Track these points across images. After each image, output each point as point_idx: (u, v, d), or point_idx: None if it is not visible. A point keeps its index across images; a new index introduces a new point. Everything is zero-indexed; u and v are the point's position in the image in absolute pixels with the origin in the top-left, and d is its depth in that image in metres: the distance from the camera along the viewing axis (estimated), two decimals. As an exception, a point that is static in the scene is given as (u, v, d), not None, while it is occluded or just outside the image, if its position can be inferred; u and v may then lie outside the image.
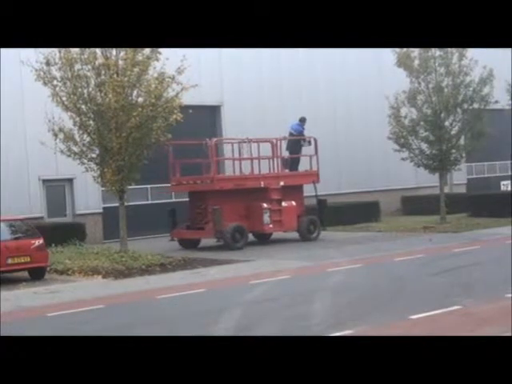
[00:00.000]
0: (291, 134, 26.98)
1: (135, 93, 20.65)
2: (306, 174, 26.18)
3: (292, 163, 26.58)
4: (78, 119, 20.58)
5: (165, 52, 19.64)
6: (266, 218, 24.31)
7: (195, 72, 24.26)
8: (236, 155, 25.67)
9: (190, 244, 24.58)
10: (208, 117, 30.74)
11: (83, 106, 20.52)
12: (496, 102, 28.65)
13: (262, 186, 24.60)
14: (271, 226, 24.56)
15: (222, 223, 23.33)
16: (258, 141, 25.40)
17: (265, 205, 24.37)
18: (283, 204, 24.86)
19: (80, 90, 20.34)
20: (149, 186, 28.71)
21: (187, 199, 25.79)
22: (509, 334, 9.14)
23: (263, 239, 25.40)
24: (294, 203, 25.06)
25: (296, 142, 26.62)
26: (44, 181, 26.44)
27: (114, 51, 20.44)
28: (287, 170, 26.23)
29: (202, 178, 24.73)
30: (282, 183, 24.99)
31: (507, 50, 31.84)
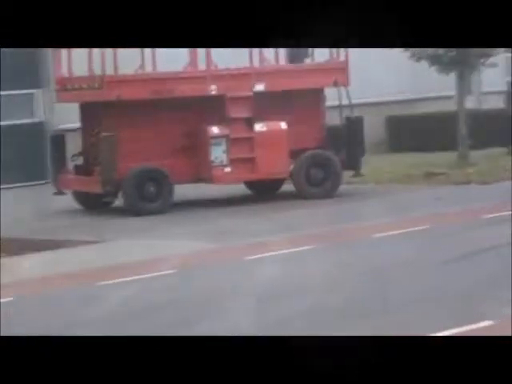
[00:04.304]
0: None
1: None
2: (321, 67, 15.87)
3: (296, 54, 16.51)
4: None
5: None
6: (218, 154, 15.07)
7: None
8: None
9: (94, 200, 15.29)
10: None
11: None
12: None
13: (214, 93, 15.17)
14: (228, 169, 15.19)
15: (115, 165, 14.50)
16: None
17: (214, 129, 15.05)
18: (256, 128, 15.18)
19: None
20: None
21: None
22: (509, 334, 9.02)
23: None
24: (282, 126, 15.31)
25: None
26: None
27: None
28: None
29: (89, 80, 15.28)
30: (259, 87, 15.17)
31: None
